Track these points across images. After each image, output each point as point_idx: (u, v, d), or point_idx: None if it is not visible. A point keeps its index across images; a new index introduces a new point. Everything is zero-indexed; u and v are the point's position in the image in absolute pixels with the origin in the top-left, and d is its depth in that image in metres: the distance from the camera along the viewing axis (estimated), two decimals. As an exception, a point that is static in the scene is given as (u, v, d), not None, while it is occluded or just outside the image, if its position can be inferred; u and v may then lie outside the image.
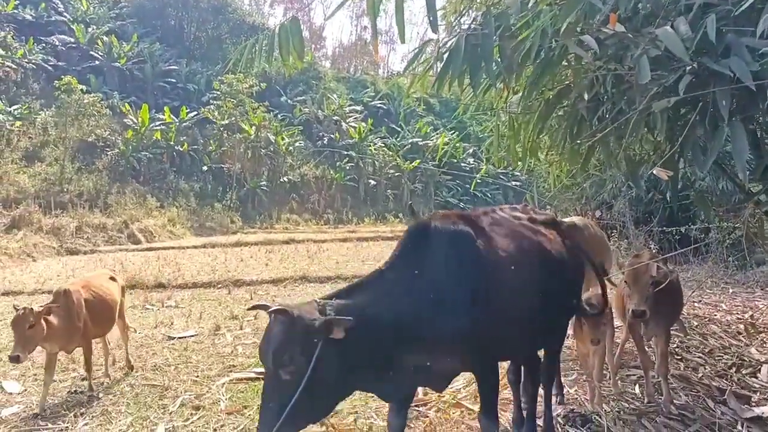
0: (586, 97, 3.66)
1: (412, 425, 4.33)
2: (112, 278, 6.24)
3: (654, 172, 3.10)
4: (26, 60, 33.32)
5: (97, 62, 37.76)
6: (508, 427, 4.24)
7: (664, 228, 7.69)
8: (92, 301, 5.56)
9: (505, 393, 4.75)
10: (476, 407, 4.63)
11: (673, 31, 2.65)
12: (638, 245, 10.17)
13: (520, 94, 4.19)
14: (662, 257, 4.93)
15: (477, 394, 4.85)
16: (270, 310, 2.71)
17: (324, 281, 12.68)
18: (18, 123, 28.82)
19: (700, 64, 2.71)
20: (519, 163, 5.32)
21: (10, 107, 29.82)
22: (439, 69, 3.53)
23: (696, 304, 8.10)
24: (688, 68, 2.68)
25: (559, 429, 4.15)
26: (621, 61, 3.09)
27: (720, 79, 2.61)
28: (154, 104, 36.30)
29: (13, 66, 32.29)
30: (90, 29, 39.72)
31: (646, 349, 4.87)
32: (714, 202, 5.96)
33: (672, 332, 4.98)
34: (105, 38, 39.19)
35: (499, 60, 3.48)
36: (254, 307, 2.99)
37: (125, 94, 36.70)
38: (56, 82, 28.50)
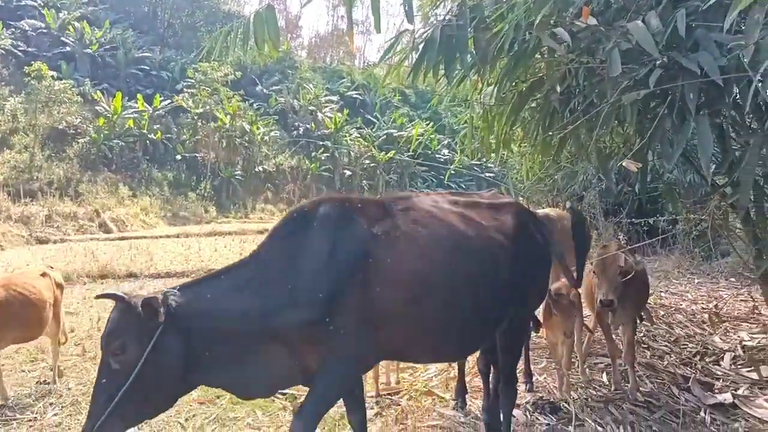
0: (558, 89, 3.70)
1: (384, 413, 4.37)
2: (44, 275, 5.47)
3: (623, 164, 3.14)
4: (-6, 45, 32.57)
5: (68, 48, 37.00)
6: (479, 415, 4.30)
7: (633, 219, 7.81)
8: (11, 302, 4.89)
9: (476, 381, 4.82)
10: (447, 395, 4.70)
11: (644, 25, 2.69)
12: (607, 236, 10.32)
13: (494, 85, 4.22)
14: (630, 248, 5.02)
15: (448, 382, 4.93)
16: (101, 294, 2.62)
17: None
18: (-14, 109, 28.23)
19: (670, 58, 2.75)
20: (492, 154, 5.38)
21: (-23, 93, 29.20)
22: (414, 59, 3.55)
23: (663, 294, 8.28)
24: (658, 62, 2.73)
25: (528, 416, 4.22)
26: (593, 54, 3.13)
27: (688, 73, 2.65)
28: (127, 92, 35.65)
29: (-19, 51, 31.56)
30: (61, 14, 38.92)
31: (614, 337, 4.97)
32: (681, 195, 6.05)
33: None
34: (76, 24, 38.42)
35: (473, 51, 3.50)
36: (101, 296, 2.70)
37: (97, 81, 36.02)
38: (26, 68, 28.04)
